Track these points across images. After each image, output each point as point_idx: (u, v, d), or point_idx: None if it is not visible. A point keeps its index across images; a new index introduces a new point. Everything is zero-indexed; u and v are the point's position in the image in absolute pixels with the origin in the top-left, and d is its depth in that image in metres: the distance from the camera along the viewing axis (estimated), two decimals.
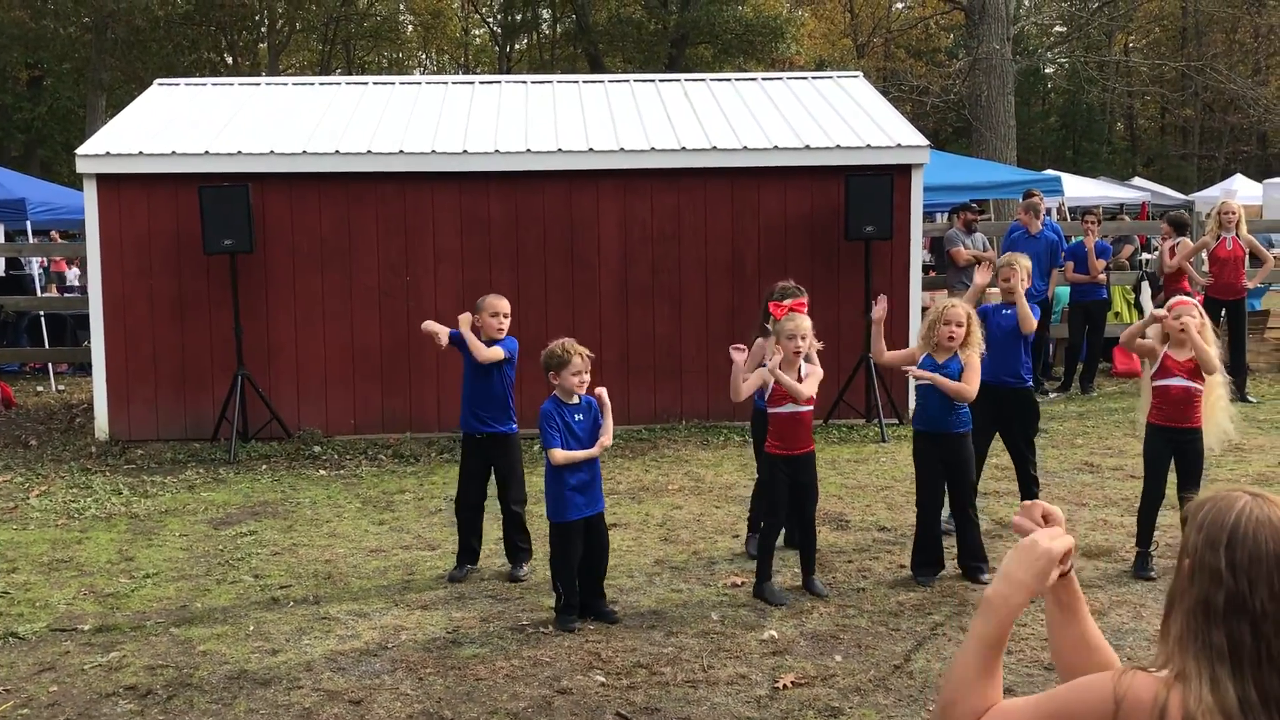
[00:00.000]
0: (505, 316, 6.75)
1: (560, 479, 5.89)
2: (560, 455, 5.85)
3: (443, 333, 6.79)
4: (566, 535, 5.91)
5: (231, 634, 5.84)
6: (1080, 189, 22.87)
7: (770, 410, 6.26)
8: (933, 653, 5.44)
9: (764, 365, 6.40)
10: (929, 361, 6.47)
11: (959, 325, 6.40)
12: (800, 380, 6.20)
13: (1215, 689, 1.83)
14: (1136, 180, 27.35)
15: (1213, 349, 6.32)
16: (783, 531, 6.67)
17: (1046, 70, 44.35)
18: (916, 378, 6.50)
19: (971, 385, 6.39)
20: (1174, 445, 6.48)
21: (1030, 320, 7.05)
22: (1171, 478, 6.61)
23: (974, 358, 6.46)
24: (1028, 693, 4.95)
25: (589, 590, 6.01)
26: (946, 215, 16.89)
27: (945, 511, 6.71)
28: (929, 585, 6.38)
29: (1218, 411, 6.36)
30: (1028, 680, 5.11)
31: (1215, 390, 6.36)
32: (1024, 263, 7.42)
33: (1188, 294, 11.98)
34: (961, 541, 6.56)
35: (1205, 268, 12.19)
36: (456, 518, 6.93)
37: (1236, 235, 11.62)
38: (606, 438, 5.96)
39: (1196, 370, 6.33)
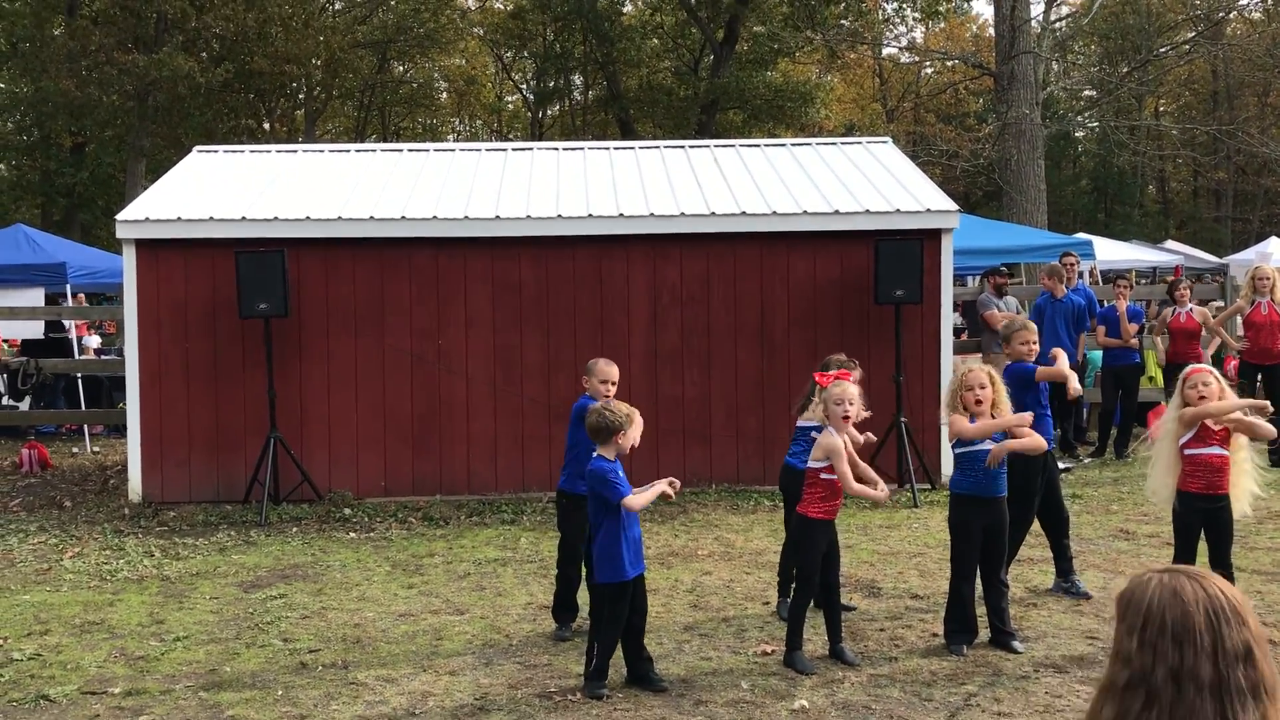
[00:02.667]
0: (614, 384, 6.79)
1: (619, 538, 5.81)
2: (638, 500, 5.77)
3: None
4: (621, 597, 5.83)
5: (260, 699, 5.83)
6: (1113, 252, 22.79)
7: (826, 476, 6.18)
8: None
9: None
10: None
11: (982, 388, 6.38)
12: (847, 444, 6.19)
13: None
14: (1170, 243, 27.23)
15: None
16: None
17: (1077, 134, 44.45)
18: (996, 455, 6.39)
19: (1034, 436, 6.49)
20: (1206, 514, 6.42)
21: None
22: (1202, 545, 6.56)
23: (1010, 419, 6.44)
24: None
25: (634, 654, 5.94)
26: (977, 279, 16.88)
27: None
28: (962, 654, 6.29)
29: (1244, 475, 6.32)
30: None
31: (1241, 452, 6.32)
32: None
33: (1198, 358, 11.87)
34: (991, 610, 6.47)
35: (1240, 332, 12.10)
36: (563, 577, 6.81)
37: (1271, 300, 11.54)
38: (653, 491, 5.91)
39: (1228, 437, 6.31)
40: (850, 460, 6.17)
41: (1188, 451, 6.39)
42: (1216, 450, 6.34)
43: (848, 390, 6.22)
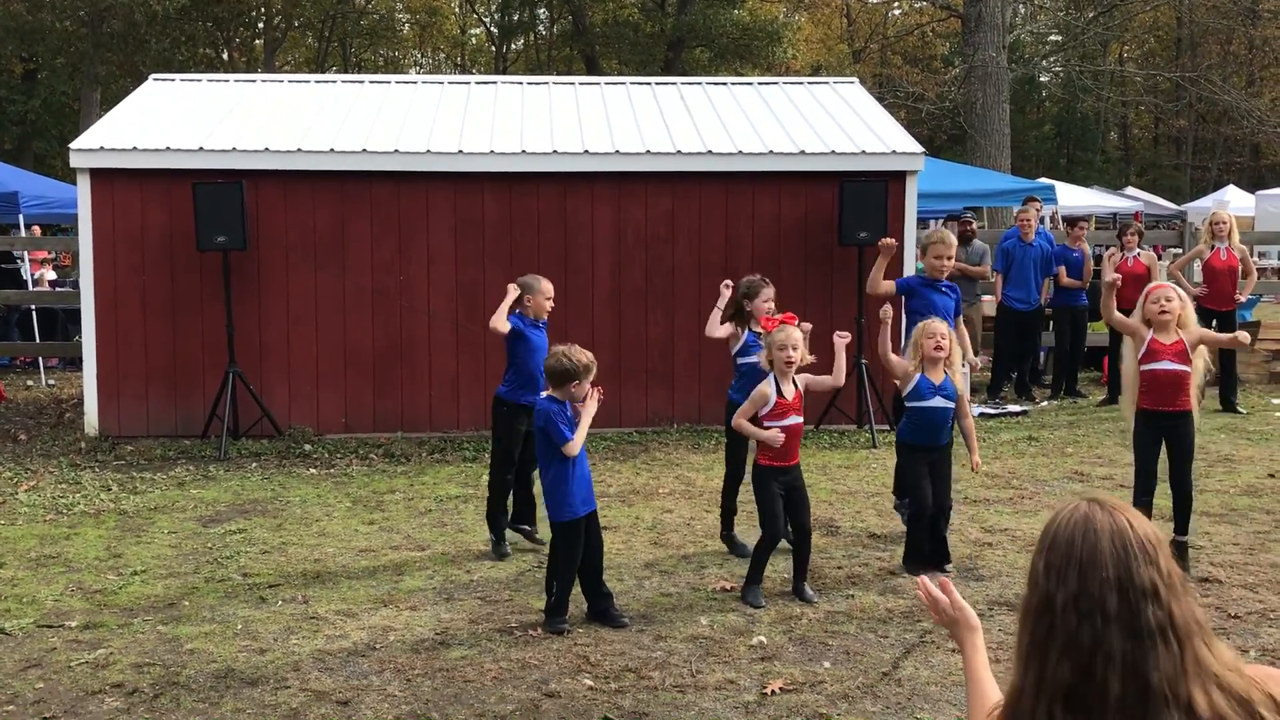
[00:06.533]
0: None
1: (567, 476, 5.84)
2: (576, 445, 5.80)
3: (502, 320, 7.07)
4: (575, 534, 5.87)
5: (219, 632, 5.83)
6: (1074, 198, 22.95)
7: (768, 424, 6.27)
8: (921, 660, 5.44)
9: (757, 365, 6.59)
10: (925, 382, 6.62)
11: (943, 337, 6.60)
12: (796, 389, 6.29)
13: (1009, 688, 2.00)
14: (1130, 190, 27.44)
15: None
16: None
17: (1042, 79, 44.47)
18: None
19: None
20: (1163, 430, 6.57)
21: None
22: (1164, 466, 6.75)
23: (956, 377, 6.76)
24: None
25: (594, 591, 5.98)
26: (940, 223, 16.92)
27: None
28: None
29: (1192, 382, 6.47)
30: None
31: (1196, 361, 6.47)
32: (951, 240, 7.70)
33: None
34: (935, 540, 6.76)
35: (1198, 278, 12.22)
36: (503, 488, 7.17)
37: (1229, 245, 11.65)
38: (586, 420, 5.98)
39: (1184, 353, 6.42)
40: (809, 388, 6.40)
41: (1142, 368, 6.50)
42: (1168, 365, 6.45)
43: (791, 335, 6.28)
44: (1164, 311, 6.40)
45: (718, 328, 7.13)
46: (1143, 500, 6.58)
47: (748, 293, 7.07)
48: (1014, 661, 2.00)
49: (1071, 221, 13.18)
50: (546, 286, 7.25)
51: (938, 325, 6.63)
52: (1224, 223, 11.75)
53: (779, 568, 6.55)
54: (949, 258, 7.50)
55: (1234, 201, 24.64)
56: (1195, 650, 1.89)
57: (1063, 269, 12.47)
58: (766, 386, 6.26)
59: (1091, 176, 39.77)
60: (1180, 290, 6.61)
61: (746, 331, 7.04)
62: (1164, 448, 6.67)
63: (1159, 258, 17.01)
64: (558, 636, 5.73)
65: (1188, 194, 39.24)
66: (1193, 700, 1.86)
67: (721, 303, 7.23)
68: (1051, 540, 1.96)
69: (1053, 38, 36.60)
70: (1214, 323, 11.70)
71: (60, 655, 5.54)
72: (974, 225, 13.43)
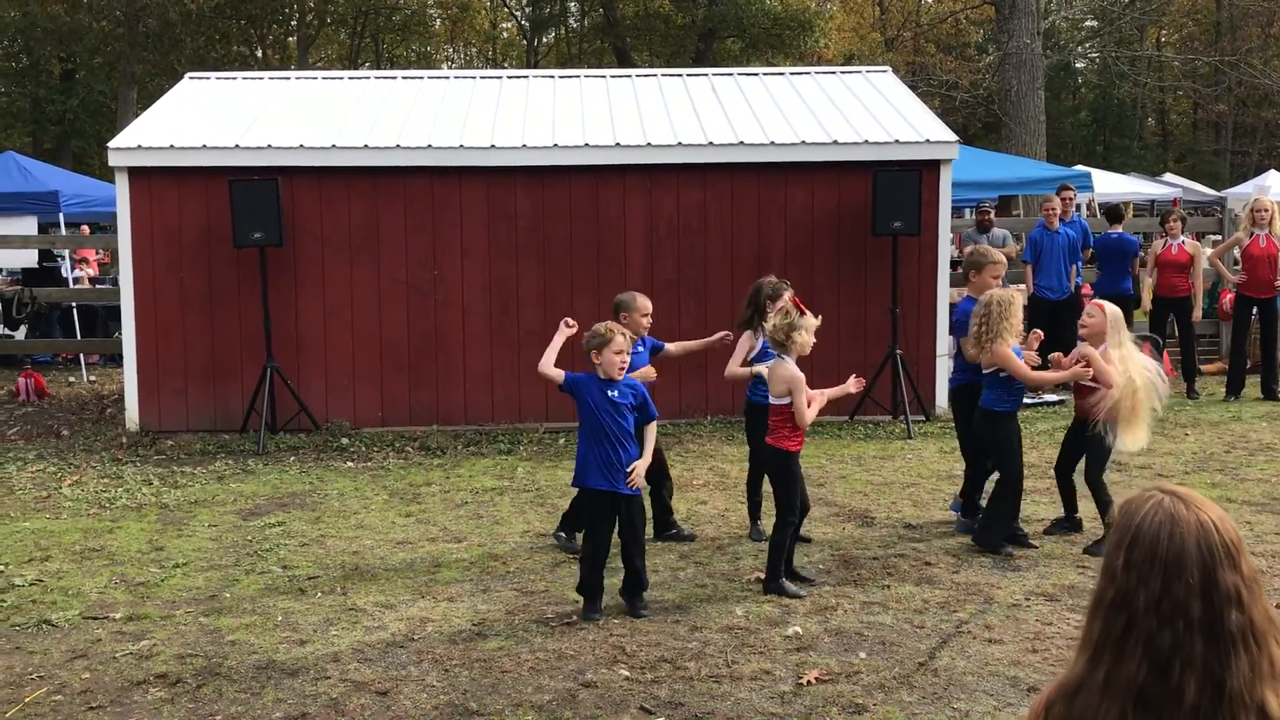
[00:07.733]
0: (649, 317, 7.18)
1: (587, 447, 5.95)
2: (543, 365, 6.03)
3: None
4: (593, 502, 5.98)
5: (260, 624, 5.90)
6: (1111, 185, 22.68)
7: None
8: (957, 651, 5.42)
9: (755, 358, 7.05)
10: (1016, 351, 6.90)
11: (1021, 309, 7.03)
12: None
13: (1069, 674, 1.95)
14: (1168, 176, 27.07)
15: (1121, 351, 6.63)
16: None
17: (1077, 65, 44.01)
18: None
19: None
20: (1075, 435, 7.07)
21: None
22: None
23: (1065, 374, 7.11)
24: None
25: (630, 575, 6.04)
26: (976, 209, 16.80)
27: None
28: (1012, 555, 6.80)
29: (1136, 414, 6.52)
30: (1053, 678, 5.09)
31: (1128, 387, 6.58)
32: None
33: (1181, 290, 11.92)
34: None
35: (1237, 264, 12.09)
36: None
37: (1270, 233, 11.51)
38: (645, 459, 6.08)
39: (1086, 366, 6.74)
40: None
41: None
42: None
43: (815, 324, 6.38)
44: (1083, 325, 6.70)
45: (739, 371, 7.19)
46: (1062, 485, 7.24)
47: (773, 294, 7.06)
48: (1078, 650, 1.95)
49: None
50: (644, 304, 7.11)
51: (1020, 296, 7.00)
52: (1265, 210, 11.61)
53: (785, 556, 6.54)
54: (1002, 276, 7.62)
55: (1275, 187, 24.25)
56: (1270, 651, 1.86)
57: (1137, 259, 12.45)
58: (794, 367, 6.29)
59: (1129, 163, 39.31)
60: (1103, 308, 6.77)
61: (761, 339, 7.05)
62: None
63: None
64: (594, 627, 5.76)
65: (1227, 180, 38.71)
66: (1265, 703, 1.83)
67: (743, 346, 7.25)
68: (1133, 536, 1.90)
69: (1089, 23, 36.25)
70: (1254, 310, 11.60)
71: (105, 646, 5.63)
72: (991, 215, 13.44)
